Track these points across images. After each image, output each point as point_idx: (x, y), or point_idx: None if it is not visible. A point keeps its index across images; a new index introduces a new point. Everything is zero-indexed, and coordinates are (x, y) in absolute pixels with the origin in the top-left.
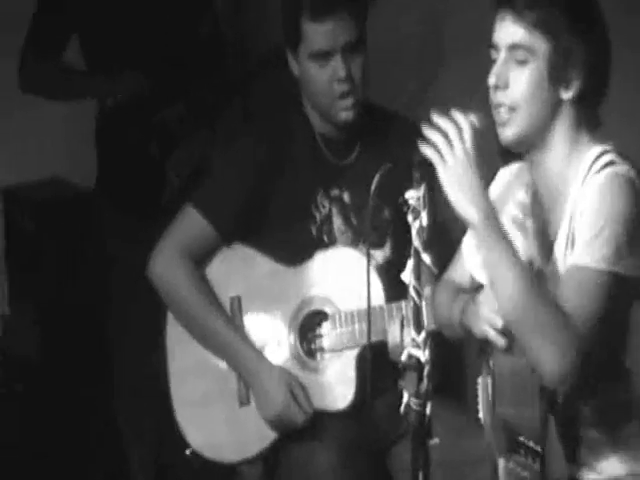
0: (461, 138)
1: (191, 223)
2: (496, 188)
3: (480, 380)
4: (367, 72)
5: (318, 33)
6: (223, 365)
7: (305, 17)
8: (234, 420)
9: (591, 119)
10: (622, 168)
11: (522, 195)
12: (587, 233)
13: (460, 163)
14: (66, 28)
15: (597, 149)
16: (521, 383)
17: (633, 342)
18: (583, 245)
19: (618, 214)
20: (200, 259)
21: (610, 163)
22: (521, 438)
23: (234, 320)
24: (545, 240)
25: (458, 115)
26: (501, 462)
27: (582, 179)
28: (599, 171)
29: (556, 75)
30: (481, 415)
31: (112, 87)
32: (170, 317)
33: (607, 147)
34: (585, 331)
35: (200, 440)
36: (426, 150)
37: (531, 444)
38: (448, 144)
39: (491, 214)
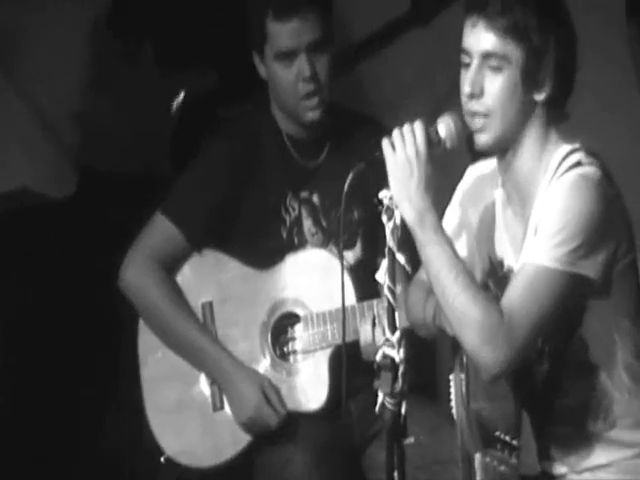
0: (414, 136)
1: (160, 230)
2: (465, 185)
3: (453, 377)
4: (332, 71)
5: (282, 33)
6: (195, 371)
7: (269, 17)
8: (208, 425)
9: (559, 116)
10: (588, 170)
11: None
12: (545, 232)
13: (407, 159)
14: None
15: (565, 148)
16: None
17: (601, 341)
18: (539, 244)
19: (579, 216)
20: (170, 266)
21: (577, 164)
22: (497, 433)
23: (206, 325)
24: (515, 240)
25: (416, 121)
26: (477, 457)
27: (549, 179)
28: (565, 172)
29: (530, 79)
30: (454, 411)
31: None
32: (142, 325)
33: (575, 145)
34: (524, 331)
35: (174, 446)
36: (384, 144)
37: (507, 438)
38: (401, 138)
39: (427, 214)
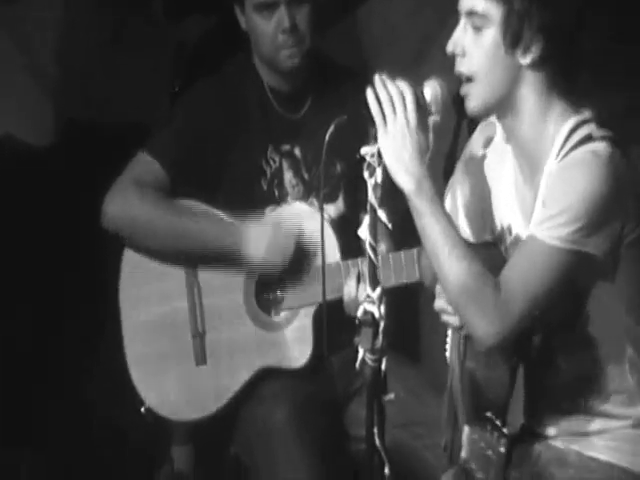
0: (404, 105)
1: (140, 163)
2: (478, 132)
3: (450, 333)
4: (315, 22)
5: None
6: (180, 324)
7: None
8: (190, 379)
9: (562, 84)
10: (598, 146)
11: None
12: (551, 210)
13: (399, 130)
14: None
15: (574, 119)
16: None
17: (606, 317)
18: (543, 220)
19: (585, 197)
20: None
21: (587, 138)
22: (489, 414)
23: (189, 283)
24: (524, 206)
25: (403, 84)
26: (466, 431)
27: (557, 151)
28: (576, 146)
29: (511, 39)
30: (448, 361)
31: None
32: (124, 276)
33: (585, 116)
34: (519, 305)
35: (155, 398)
36: (372, 108)
37: (498, 422)
38: (391, 109)
39: (424, 183)
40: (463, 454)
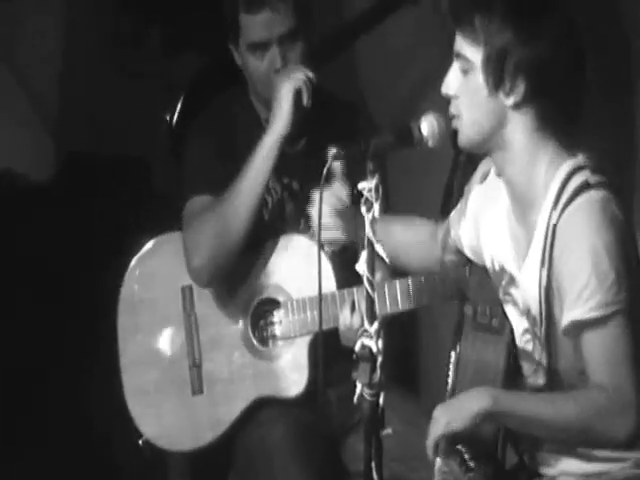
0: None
1: (198, 207)
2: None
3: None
4: (307, 60)
5: (253, 25)
6: (176, 354)
7: (241, 10)
8: (187, 409)
9: (553, 125)
10: (598, 194)
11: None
12: (578, 280)
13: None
14: None
15: (569, 164)
16: (483, 379)
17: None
18: (577, 295)
19: (600, 254)
20: None
21: (585, 186)
22: (459, 446)
23: (186, 309)
24: (518, 246)
25: None
26: (438, 462)
27: (554, 199)
28: (575, 195)
29: (493, 82)
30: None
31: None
32: (121, 307)
33: (580, 162)
34: (630, 383)
35: (153, 429)
36: None
37: (466, 456)
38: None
39: (497, 404)
40: None
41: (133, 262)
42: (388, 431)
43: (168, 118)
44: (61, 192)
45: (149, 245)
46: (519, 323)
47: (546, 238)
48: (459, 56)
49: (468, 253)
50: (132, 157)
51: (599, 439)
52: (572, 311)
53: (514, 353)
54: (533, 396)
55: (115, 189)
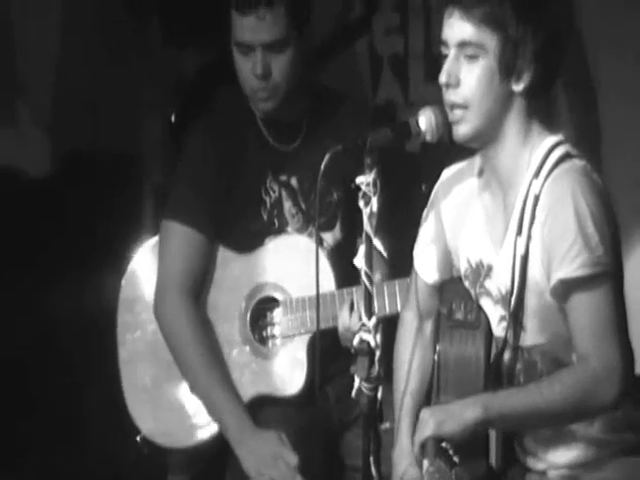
0: None
1: (174, 235)
2: (439, 183)
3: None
4: (293, 69)
5: (241, 25)
6: None
7: (233, 5)
8: (184, 405)
9: (542, 109)
10: (579, 163)
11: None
12: (564, 241)
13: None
14: None
15: (551, 139)
16: (466, 375)
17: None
18: (563, 256)
19: (587, 210)
20: (200, 272)
21: (566, 156)
22: (444, 444)
23: None
24: (495, 233)
25: None
26: (425, 463)
27: (536, 169)
28: (557, 164)
29: (507, 68)
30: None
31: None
32: (121, 304)
33: (560, 137)
34: (612, 351)
35: (150, 426)
36: None
37: (450, 452)
38: None
39: (488, 411)
40: None
41: (133, 259)
42: (386, 425)
43: (169, 115)
44: (60, 189)
45: (149, 242)
46: (494, 312)
47: (524, 207)
48: (464, 44)
49: (436, 275)
50: (131, 154)
51: (589, 410)
52: (560, 271)
53: (494, 345)
54: (520, 391)
55: (115, 186)
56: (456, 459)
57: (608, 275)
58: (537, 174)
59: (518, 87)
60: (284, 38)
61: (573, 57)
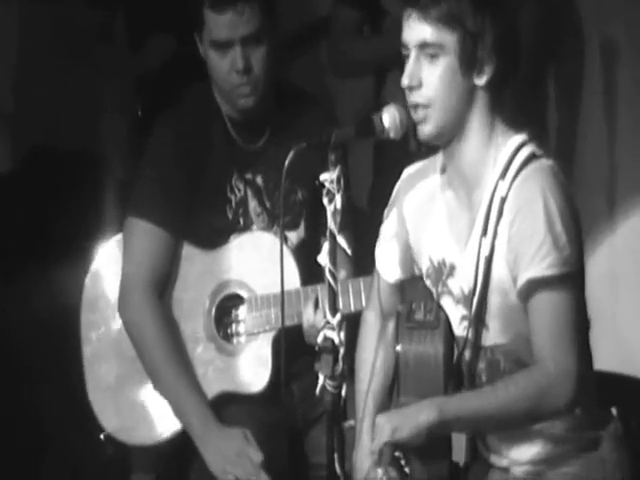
0: None
1: (138, 233)
2: (400, 182)
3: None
4: (270, 63)
5: (217, 23)
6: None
7: (206, 5)
8: (148, 402)
9: (505, 105)
10: (546, 162)
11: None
12: (532, 242)
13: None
14: None
15: (516, 138)
16: (425, 375)
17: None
18: (532, 256)
19: (555, 211)
20: (164, 269)
21: (532, 156)
22: (397, 453)
23: None
24: (459, 231)
25: None
26: (379, 472)
27: (502, 170)
28: (523, 165)
29: (468, 63)
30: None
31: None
32: (85, 303)
33: (525, 137)
34: (565, 354)
35: (114, 423)
36: None
37: (402, 462)
38: None
39: (443, 413)
40: None
41: (96, 257)
42: (351, 423)
43: (135, 111)
44: (21, 185)
45: (112, 240)
46: (455, 312)
47: (490, 208)
48: (424, 45)
49: (398, 274)
50: (93, 150)
51: (543, 413)
52: (528, 271)
53: (456, 345)
54: (476, 393)
55: (77, 183)
56: (407, 469)
57: (572, 276)
58: (503, 175)
59: (480, 80)
60: (262, 30)
61: (569, 51)
